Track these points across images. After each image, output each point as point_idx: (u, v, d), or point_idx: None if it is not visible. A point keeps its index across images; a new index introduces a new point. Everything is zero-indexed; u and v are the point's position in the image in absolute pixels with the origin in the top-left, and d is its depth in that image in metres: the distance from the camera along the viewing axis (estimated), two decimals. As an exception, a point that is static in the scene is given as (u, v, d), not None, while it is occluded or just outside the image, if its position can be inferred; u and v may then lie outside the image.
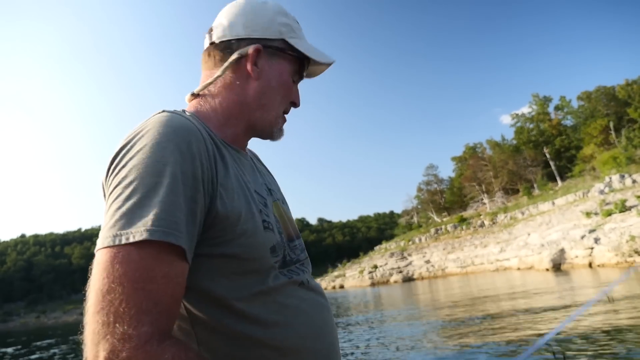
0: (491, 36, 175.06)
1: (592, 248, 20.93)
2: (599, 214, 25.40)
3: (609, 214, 24.14)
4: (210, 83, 0.89)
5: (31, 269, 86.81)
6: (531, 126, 61.22)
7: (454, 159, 73.67)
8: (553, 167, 51.64)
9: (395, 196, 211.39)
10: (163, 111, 0.78)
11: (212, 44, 0.91)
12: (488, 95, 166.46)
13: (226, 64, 0.87)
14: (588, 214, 26.30)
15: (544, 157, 53.89)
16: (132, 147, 0.70)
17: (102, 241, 0.64)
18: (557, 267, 22.51)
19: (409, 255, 45.12)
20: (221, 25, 0.90)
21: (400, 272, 40.09)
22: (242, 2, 0.92)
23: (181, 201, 0.66)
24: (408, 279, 38.08)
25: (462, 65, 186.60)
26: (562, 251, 22.99)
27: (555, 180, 50.15)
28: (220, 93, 0.89)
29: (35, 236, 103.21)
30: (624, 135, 42.99)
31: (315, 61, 0.93)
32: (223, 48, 0.89)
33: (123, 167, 0.68)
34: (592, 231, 22.75)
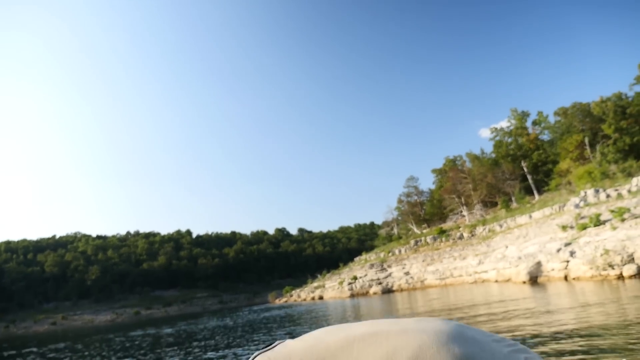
0: (471, 50, 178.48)
1: (567, 261, 21.21)
2: (574, 228, 25.80)
3: (584, 227, 24.55)
4: None
5: (2, 277, 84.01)
6: (509, 140, 62.21)
7: (434, 171, 74.34)
8: (530, 181, 52.49)
9: (376, 207, 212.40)
10: None
11: None
12: (468, 108, 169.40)
13: None
14: (564, 228, 26.70)
15: (522, 171, 54.75)
16: None
17: None
18: (534, 279, 22.74)
19: (389, 266, 45.14)
20: None
21: (380, 283, 40.03)
22: None
23: None
24: (387, 291, 38.03)
25: (443, 78, 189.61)
26: (539, 264, 23.25)
27: (533, 194, 50.95)
28: None
29: (7, 242, 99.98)
30: (599, 150, 44.00)
31: None
32: None
33: None
34: (567, 244, 23.07)
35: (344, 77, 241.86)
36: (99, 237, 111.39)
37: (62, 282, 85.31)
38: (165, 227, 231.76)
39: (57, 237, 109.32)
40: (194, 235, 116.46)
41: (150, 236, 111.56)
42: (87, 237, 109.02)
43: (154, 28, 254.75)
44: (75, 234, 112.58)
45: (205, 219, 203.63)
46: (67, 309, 77.77)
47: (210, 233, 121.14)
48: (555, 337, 7.41)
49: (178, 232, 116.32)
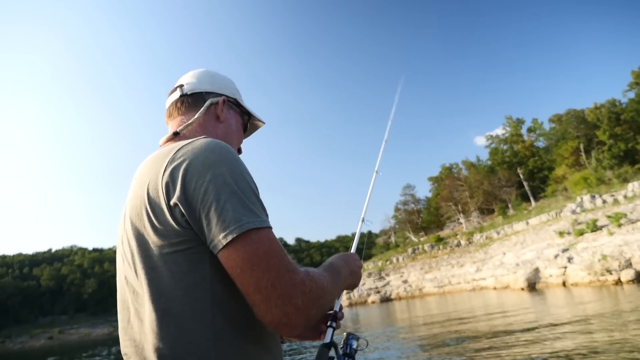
0: (465, 58, 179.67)
1: (565, 267, 21.23)
2: (571, 234, 25.86)
3: (581, 233, 24.60)
4: (189, 124, 1.11)
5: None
6: (505, 147, 62.52)
7: (430, 179, 74.49)
8: (527, 188, 52.65)
9: (374, 215, 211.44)
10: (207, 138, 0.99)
11: (183, 95, 1.17)
12: (462, 116, 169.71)
13: (202, 109, 1.13)
14: (561, 234, 26.75)
15: (518, 178, 54.97)
16: (220, 161, 0.89)
17: (247, 225, 0.83)
18: (532, 286, 22.72)
19: (387, 275, 45.03)
20: (191, 82, 1.19)
21: (378, 292, 39.91)
22: (202, 69, 1.24)
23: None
24: (386, 299, 37.91)
25: (437, 86, 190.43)
26: (537, 270, 23.25)
27: (529, 200, 51.07)
28: (196, 132, 1.10)
29: (3, 257, 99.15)
30: (594, 157, 44.26)
31: (255, 119, 1.32)
32: (195, 98, 1.16)
33: (221, 175, 0.87)
34: (565, 250, 23.10)
35: (339, 86, 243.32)
36: (95, 250, 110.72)
37: (59, 295, 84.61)
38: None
39: (53, 250, 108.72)
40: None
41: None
42: (83, 250, 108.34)
43: (148, 39, 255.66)
44: (72, 247, 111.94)
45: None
46: (64, 323, 77.02)
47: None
48: (555, 346, 7.41)
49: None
